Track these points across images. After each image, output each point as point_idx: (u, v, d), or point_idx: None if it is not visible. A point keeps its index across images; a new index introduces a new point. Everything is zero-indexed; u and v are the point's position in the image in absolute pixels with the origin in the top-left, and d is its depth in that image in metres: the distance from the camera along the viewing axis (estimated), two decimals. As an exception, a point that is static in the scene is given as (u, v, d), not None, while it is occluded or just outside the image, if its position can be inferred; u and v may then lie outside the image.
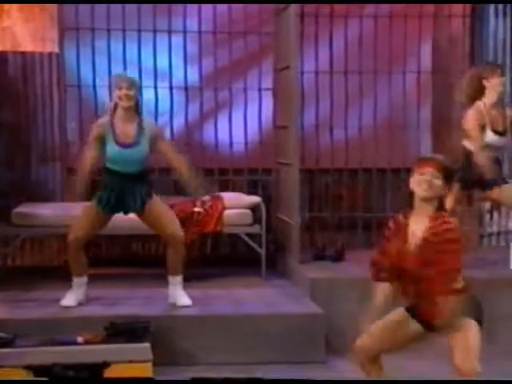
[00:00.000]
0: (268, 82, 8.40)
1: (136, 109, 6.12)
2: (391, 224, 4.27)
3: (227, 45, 8.33)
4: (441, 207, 4.14)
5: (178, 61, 8.29)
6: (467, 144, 6.78)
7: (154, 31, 8.14)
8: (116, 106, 6.06)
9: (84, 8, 7.89)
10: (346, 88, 8.47)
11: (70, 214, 7.20)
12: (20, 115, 7.91)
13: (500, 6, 8.69)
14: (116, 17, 8.01)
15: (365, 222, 8.47)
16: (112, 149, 6.03)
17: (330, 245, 7.94)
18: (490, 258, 7.64)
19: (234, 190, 8.19)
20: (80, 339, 5.58)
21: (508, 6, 8.64)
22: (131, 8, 8.01)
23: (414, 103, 8.69)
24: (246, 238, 7.40)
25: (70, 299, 6.22)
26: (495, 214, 8.67)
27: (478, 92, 6.75)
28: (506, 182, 6.90)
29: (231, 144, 8.43)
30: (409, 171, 8.33)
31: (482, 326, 4.20)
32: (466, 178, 6.73)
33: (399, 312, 4.34)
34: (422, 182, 4.10)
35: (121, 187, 6.08)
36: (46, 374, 5.38)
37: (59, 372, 5.36)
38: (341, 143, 8.53)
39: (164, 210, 6.26)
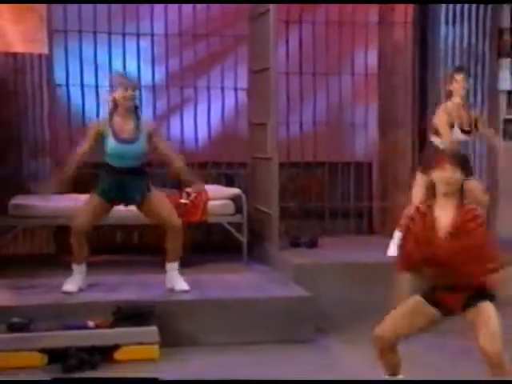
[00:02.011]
0: (230, 81, 8.37)
1: (135, 107, 5.99)
2: (415, 215, 4.18)
3: (191, 46, 8.24)
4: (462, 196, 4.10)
5: (146, 61, 8.16)
6: (436, 140, 6.83)
7: (124, 34, 8.01)
8: (116, 103, 5.91)
9: (72, 11, 7.78)
10: (300, 87, 8.47)
11: (64, 205, 7.16)
12: (12, 113, 7.69)
13: (450, 14, 8.77)
14: (88, 20, 7.87)
15: (318, 212, 8.54)
16: (112, 144, 5.87)
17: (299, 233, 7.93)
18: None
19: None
20: (91, 323, 5.46)
21: (457, 14, 8.73)
22: (102, 11, 7.86)
23: (363, 102, 8.73)
24: (229, 227, 7.34)
25: (71, 285, 6.03)
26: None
27: (449, 93, 6.81)
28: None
29: (196, 139, 8.36)
30: (358, 164, 8.66)
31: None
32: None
33: (416, 299, 4.23)
34: (443, 178, 4.04)
35: (120, 181, 5.93)
36: (60, 357, 5.25)
37: (73, 354, 5.23)
38: (296, 138, 8.54)
39: (162, 201, 6.15)
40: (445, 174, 4.05)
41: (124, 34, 8.05)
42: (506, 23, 8.67)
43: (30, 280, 6.45)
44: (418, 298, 4.23)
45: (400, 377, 4.43)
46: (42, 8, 7.58)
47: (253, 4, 7.80)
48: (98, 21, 7.89)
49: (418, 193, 6.82)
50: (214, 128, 8.44)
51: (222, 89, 8.41)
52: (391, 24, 8.80)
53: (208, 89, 8.38)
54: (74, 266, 6.09)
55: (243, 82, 8.34)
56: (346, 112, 8.72)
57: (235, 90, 8.45)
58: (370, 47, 8.74)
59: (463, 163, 4.13)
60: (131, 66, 8.00)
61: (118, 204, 6.10)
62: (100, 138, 5.91)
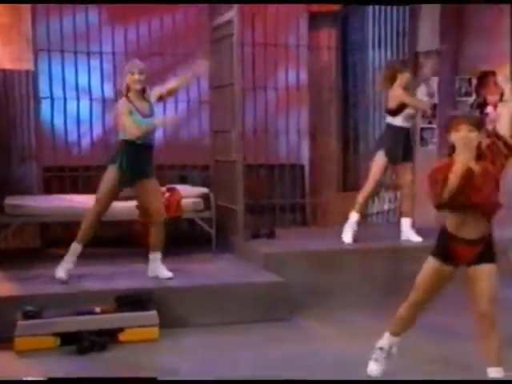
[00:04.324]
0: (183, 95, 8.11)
1: (144, 89, 5.80)
2: (442, 168, 3.92)
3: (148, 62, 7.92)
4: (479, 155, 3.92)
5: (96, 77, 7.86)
6: (394, 120, 6.79)
7: (89, 52, 7.73)
8: (128, 87, 5.74)
9: (55, 32, 7.57)
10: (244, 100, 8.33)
11: (52, 205, 6.93)
12: (1, 122, 7.34)
13: (376, 40, 8.86)
14: (69, 40, 7.63)
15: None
16: (138, 119, 5.67)
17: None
18: (382, 232, 7.73)
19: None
20: (97, 309, 5.26)
21: (383, 39, 8.83)
22: (80, 33, 7.68)
23: (296, 113, 8.69)
24: (200, 222, 7.18)
25: (62, 271, 5.72)
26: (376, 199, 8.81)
27: (393, 81, 6.78)
28: None
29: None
30: (293, 166, 8.66)
31: None
32: (393, 151, 6.74)
33: (432, 264, 4.05)
34: (460, 138, 3.89)
35: (137, 157, 5.73)
36: (71, 339, 5.03)
37: (85, 337, 5.00)
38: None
39: (157, 189, 6.00)
40: (460, 134, 3.90)
41: (88, 53, 7.77)
42: (421, 47, 8.79)
43: (28, 272, 6.16)
44: (433, 262, 4.06)
45: (396, 339, 4.33)
46: (27, 30, 7.37)
47: (215, 27, 7.64)
48: (77, 41, 7.69)
49: (377, 173, 6.81)
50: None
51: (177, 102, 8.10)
52: (318, 47, 8.82)
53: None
54: (75, 245, 5.75)
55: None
56: (282, 120, 8.65)
57: (188, 102, 8.24)
58: (302, 66, 8.73)
59: (479, 124, 3.95)
60: (94, 81, 7.79)
61: (132, 177, 5.79)
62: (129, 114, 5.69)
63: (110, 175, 5.75)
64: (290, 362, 4.78)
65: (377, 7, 8.86)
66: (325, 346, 5.16)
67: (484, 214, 3.95)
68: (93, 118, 7.86)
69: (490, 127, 4.14)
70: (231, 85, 7.15)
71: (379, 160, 6.80)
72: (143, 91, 5.79)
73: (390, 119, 6.86)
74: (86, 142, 7.90)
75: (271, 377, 4.43)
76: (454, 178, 3.81)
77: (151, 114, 5.79)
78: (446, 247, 4.03)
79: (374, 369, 4.35)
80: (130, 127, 5.65)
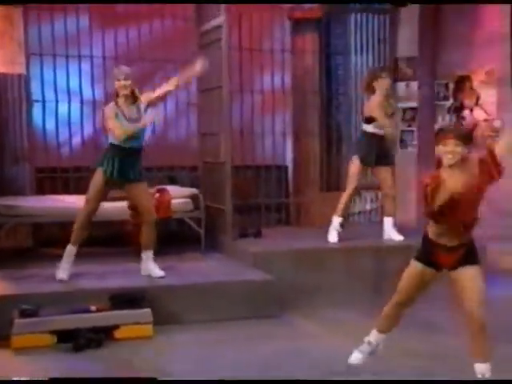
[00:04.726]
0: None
1: (133, 93, 5.77)
2: (430, 181, 3.93)
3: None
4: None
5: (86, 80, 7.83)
6: (367, 127, 6.84)
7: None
8: (117, 92, 5.74)
9: (46, 37, 7.52)
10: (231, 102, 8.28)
11: (45, 205, 6.89)
12: (-6, 124, 7.29)
13: (358, 45, 8.91)
14: (61, 44, 7.60)
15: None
16: (124, 123, 5.66)
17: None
18: (365, 231, 7.76)
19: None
20: (93, 308, 5.23)
21: (365, 45, 8.88)
22: (71, 37, 7.64)
23: (281, 115, 8.68)
24: (190, 222, 7.17)
25: (64, 273, 5.72)
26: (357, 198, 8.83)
27: (372, 89, 6.83)
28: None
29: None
30: (277, 167, 8.67)
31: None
32: (367, 156, 6.79)
33: (416, 266, 4.09)
34: (446, 152, 3.89)
35: (123, 160, 5.71)
36: (68, 337, 5.00)
37: (82, 335, 4.98)
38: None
39: (147, 193, 6.01)
40: (447, 148, 3.90)
41: (79, 57, 7.74)
42: (401, 53, 8.86)
43: (22, 271, 6.12)
44: (415, 265, 4.10)
45: (383, 336, 4.37)
46: (20, 35, 7.33)
47: (203, 33, 7.65)
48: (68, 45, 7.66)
49: (354, 177, 6.85)
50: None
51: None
52: (301, 52, 8.84)
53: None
54: (69, 247, 5.76)
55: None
56: (267, 123, 8.63)
57: (176, 104, 8.19)
58: (286, 70, 8.72)
59: (466, 139, 3.95)
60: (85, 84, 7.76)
61: (119, 179, 5.77)
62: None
63: (98, 178, 5.75)
64: (281, 357, 4.80)
65: (359, 14, 8.91)
66: (314, 342, 5.17)
67: (464, 227, 3.97)
68: (83, 120, 7.83)
69: (489, 140, 4.16)
70: (219, 88, 7.16)
71: (354, 165, 6.86)
72: (132, 95, 5.77)
73: (364, 125, 6.94)
74: (77, 143, 7.87)
75: (264, 372, 4.46)
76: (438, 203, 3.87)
77: (138, 119, 5.74)
78: (428, 253, 4.07)
79: (356, 357, 4.39)
80: (114, 130, 5.66)
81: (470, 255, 4.00)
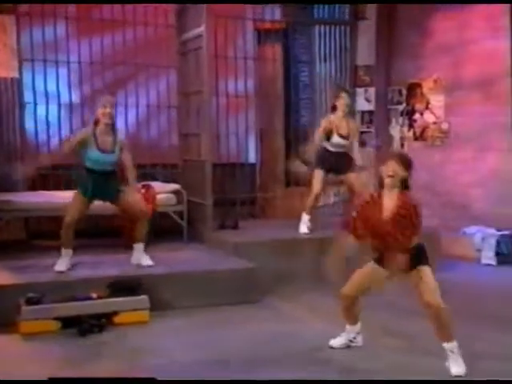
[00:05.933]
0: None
1: (113, 124, 5.70)
2: (369, 199, 4.11)
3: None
4: (405, 187, 4.02)
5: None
6: (325, 143, 6.91)
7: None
8: (98, 120, 5.62)
9: (37, 43, 7.44)
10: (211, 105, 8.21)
11: (38, 200, 6.80)
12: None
13: (322, 54, 9.00)
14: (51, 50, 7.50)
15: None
16: (94, 153, 5.60)
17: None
18: (332, 223, 7.81)
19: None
20: (94, 295, 5.20)
21: (328, 54, 8.98)
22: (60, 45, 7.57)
23: (244, 117, 8.66)
24: (173, 215, 7.16)
25: (61, 265, 5.68)
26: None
27: (335, 107, 6.90)
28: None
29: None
30: (246, 165, 8.72)
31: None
32: (324, 165, 6.88)
33: (370, 264, 4.21)
34: (387, 173, 3.98)
35: (98, 182, 5.65)
36: (72, 323, 4.96)
37: (85, 320, 4.94)
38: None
39: (134, 197, 5.91)
40: (388, 169, 3.98)
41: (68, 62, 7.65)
42: (360, 61, 8.99)
43: (19, 262, 6.02)
44: (372, 263, 4.18)
45: (358, 325, 4.48)
46: (13, 42, 7.26)
47: (184, 41, 7.63)
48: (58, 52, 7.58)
49: (317, 184, 6.93)
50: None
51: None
52: (265, 60, 8.88)
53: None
54: (64, 251, 5.73)
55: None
56: (234, 124, 8.60)
57: (158, 107, 8.17)
58: (250, 76, 8.70)
59: (406, 163, 4.02)
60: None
61: (98, 200, 5.78)
62: (84, 144, 5.59)
63: (78, 198, 5.68)
64: (267, 336, 4.86)
65: (322, 26, 9.00)
66: (296, 323, 5.26)
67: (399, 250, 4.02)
68: (72, 121, 7.73)
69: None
70: (199, 92, 7.16)
71: (317, 175, 6.91)
72: (112, 127, 5.67)
73: (324, 142, 6.95)
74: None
75: (253, 350, 4.52)
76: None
77: (111, 151, 5.63)
78: (380, 260, 4.14)
79: (337, 341, 4.50)
80: (67, 145, 5.69)
81: (419, 257, 4.03)
